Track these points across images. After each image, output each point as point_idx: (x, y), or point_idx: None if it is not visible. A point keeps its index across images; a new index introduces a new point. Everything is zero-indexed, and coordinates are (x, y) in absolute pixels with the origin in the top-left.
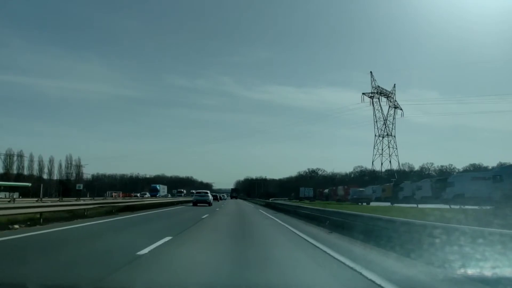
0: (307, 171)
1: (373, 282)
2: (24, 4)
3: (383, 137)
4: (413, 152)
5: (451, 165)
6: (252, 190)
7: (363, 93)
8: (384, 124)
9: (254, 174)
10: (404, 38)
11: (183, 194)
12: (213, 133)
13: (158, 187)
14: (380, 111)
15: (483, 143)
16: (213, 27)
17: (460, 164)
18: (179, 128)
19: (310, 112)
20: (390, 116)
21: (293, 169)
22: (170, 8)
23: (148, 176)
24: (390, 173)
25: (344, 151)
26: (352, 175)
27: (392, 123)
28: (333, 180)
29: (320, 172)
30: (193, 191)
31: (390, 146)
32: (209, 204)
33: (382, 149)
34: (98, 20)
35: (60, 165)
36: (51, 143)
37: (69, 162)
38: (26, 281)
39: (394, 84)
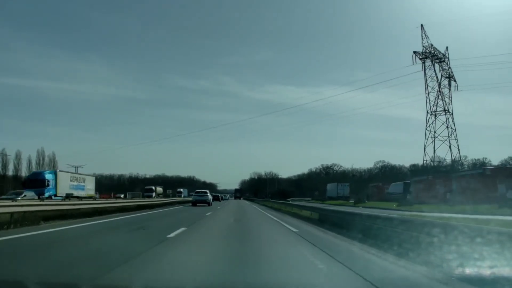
0: (321, 167)
1: None
2: (24, 6)
3: (435, 116)
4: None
5: (485, 158)
6: (261, 188)
7: (414, 52)
8: (440, 96)
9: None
10: (406, 36)
11: (154, 195)
12: (215, 133)
13: (47, 177)
14: (435, 78)
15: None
16: (215, 27)
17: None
18: (181, 128)
19: (313, 111)
20: (444, 87)
21: (299, 167)
22: (171, 8)
23: (148, 176)
24: (415, 168)
25: (355, 149)
26: (373, 171)
27: (448, 97)
28: (353, 176)
29: (336, 168)
30: (181, 189)
31: (449, 126)
32: (209, 204)
33: (435, 131)
34: (99, 21)
35: (30, 161)
36: (51, 144)
37: (41, 158)
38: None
39: (447, 47)
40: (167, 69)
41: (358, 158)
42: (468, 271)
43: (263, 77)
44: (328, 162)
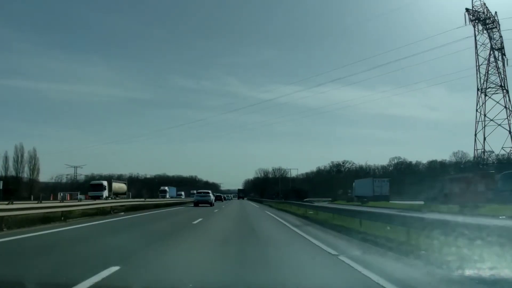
0: (331, 164)
1: None
2: (26, 7)
3: (485, 95)
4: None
5: None
6: (268, 187)
7: (467, 9)
8: (493, 70)
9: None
10: (408, 34)
11: (105, 195)
12: (218, 133)
13: None
14: (490, 48)
15: None
16: (217, 27)
17: None
18: (183, 129)
19: (316, 110)
20: (498, 60)
21: (304, 166)
22: (172, 9)
23: (148, 176)
24: (433, 165)
25: (358, 148)
26: (388, 168)
27: (503, 71)
28: (367, 173)
29: (348, 165)
30: (165, 188)
31: (507, 106)
32: (211, 204)
33: (485, 114)
34: (99, 22)
35: (6, 158)
36: (53, 146)
37: (20, 154)
38: None
39: (496, 12)
40: (168, 70)
41: (363, 156)
42: None
43: (265, 76)
44: (331, 160)
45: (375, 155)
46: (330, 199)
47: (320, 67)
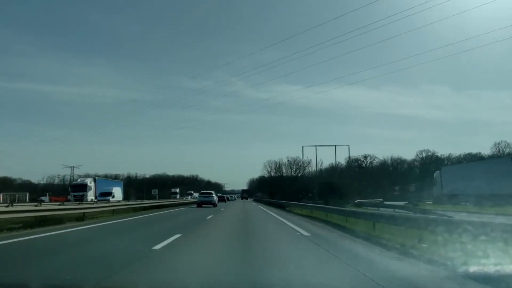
0: (348, 159)
1: None
2: (28, 9)
3: None
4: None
5: None
6: (280, 186)
7: None
8: None
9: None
10: (411, 33)
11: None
12: (221, 133)
13: None
14: None
15: None
16: (221, 28)
17: None
18: (185, 128)
19: (319, 109)
20: None
21: (312, 165)
22: (175, 9)
23: (148, 176)
24: (464, 157)
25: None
26: (414, 163)
27: None
28: (394, 169)
29: (369, 160)
30: (110, 189)
31: None
32: (214, 205)
33: None
34: (102, 23)
35: None
36: (52, 145)
37: None
38: None
39: None
40: (169, 70)
41: (375, 153)
42: None
43: (269, 76)
44: (347, 155)
45: (393, 151)
46: (381, 199)
47: (321, 66)
